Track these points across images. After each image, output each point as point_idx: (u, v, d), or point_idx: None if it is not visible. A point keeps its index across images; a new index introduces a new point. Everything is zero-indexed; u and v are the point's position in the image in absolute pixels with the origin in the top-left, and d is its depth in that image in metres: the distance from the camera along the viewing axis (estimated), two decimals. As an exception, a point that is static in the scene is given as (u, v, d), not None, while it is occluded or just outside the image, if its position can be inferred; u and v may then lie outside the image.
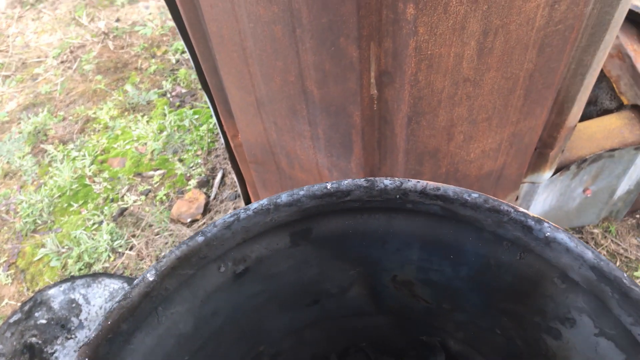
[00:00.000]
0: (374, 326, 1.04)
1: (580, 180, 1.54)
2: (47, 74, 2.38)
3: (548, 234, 0.59)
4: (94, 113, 2.24)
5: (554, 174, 1.42)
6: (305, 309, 0.92)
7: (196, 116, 2.16)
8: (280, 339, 0.98)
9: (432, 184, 0.62)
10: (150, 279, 0.59)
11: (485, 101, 1.01)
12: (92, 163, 2.10)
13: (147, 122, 2.18)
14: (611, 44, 1.08)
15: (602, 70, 1.58)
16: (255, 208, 0.63)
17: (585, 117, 1.61)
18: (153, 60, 2.38)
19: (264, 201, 0.63)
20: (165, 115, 2.18)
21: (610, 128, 1.48)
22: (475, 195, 0.61)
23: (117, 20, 2.55)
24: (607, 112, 1.61)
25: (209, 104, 1.39)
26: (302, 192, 0.63)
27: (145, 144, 2.12)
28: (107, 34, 2.48)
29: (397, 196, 0.64)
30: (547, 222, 0.60)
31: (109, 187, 2.03)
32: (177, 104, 2.22)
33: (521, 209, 0.60)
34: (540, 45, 0.95)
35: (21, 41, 2.50)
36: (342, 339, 1.07)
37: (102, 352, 0.57)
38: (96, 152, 2.13)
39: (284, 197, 0.63)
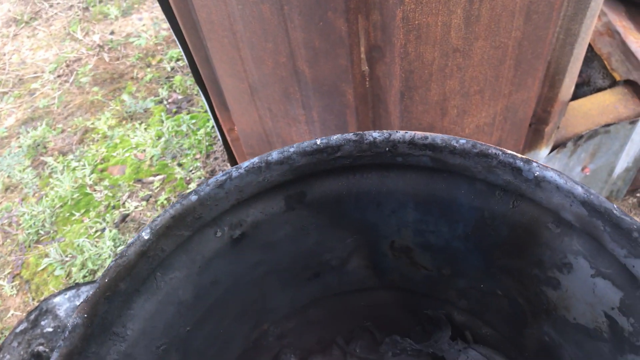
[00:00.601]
0: (376, 303, 1.03)
1: (578, 159, 1.54)
2: (44, 88, 2.41)
3: (537, 173, 0.60)
4: (92, 124, 2.26)
5: (551, 151, 1.42)
6: (306, 284, 0.92)
7: (193, 121, 2.18)
8: (285, 318, 0.98)
9: (420, 134, 0.63)
10: (146, 237, 0.60)
11: (476, 72, 1.02)
12: (92, 172, 2.11)
13: (145, 129, 2.19)
14: (598, 11, 1.09)
15: (592, 49, 1.60)
16: (247, 166, 0.63)
17: (580, 97, 1.62)
18: (148, 70, 2.41)
19: (255, 159, 0.64)
20: (162, 121, 2.20)
21: (604, 104, 1.48)
22: (462, 141, 0.62)
23: (112, 33, 2.58)
24: (600, 90, 1.61)
25: (204, 100, 1.40)
26: (292, 149, 0.64)
27: (144, 150, 2.13)
28: (102, 47, 2.51)
29: (387, 149, 0.65)
30: (536, 162, 0.60)
31: (110, 194, 2.04)
32: (174, 110, 2.24)
33: (509, 151, 0.61)
34: (527, 12, 0.96)
35: (17, 58, 2.53)
36: (346, 318, 1.06)
37: (101, 310, 0.58)
38: (96, 161, 2.14)
39: (274, 155, 0.64)
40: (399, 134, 0.63)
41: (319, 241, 0.82)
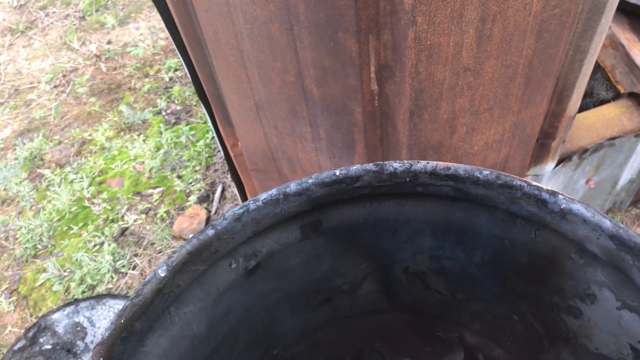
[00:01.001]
0: (387, 324, 1.02)
1: (582, 171, 1.53)
2: (40, 99, 2.38)
3: (563, 205, 0.58)
4: (90, 135, 2.23)
5: (556, 165, 1.42)
6: (317, 308, 0.90)
7: (192, 132, 2.16)
8: (294, 342, 0.96)
9: (442, 164, 0.61)
10: (162, 274, 0.58)
11: (487, 91, 1.00)
12: (90, 185, 2.09)
13: (144, 140, 2.17)
14: (607, 28, 1.09)
15: (596, 61, 1.59)
16: (265, 198, 0.62)
17: (582, 109, 1.61)
18: (146, 80, 2.38)
19: (273, 191, 0.62)
20: (161, 133, 2.18)
21: (609, 117, 1.48)
22: (486, 172, 0.60)
23: (109, 42, 2.56)
24: (603, 102, 1.61)
25: (206, 114, 1.38)
26: (310, 180, 0.62)
27: (143, 162, 2.10)
28: (99, 57, 2.48)
29: (407, 179, 0.63)
30: (562, 194, 0.59)
31: (109, 207, 2.02)
32: (173, 121, 2.22)
33: (535, 183, 0.60)
34: (538, 31, 0.95)
35: (13, 68, 2.50)
36: (355, 340, 1.05)
37: (117, 352, 0.56)
38: (94, 173, 2.12)
39: (292, 186, 0.62)
40: (421, 165, 0.62)
41: (332, 267, 0.81)
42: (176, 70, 2.41)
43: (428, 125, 1.03)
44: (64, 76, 2.43)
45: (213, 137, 2.11)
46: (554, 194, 0.59)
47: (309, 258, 0.76)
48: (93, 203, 2.04)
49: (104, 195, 2.05)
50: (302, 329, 0.94)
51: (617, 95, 1.56)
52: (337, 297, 0.89)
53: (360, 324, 1.01)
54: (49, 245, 1.97)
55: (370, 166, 0.62)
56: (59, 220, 2.01)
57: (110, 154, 2.16)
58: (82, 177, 2.10)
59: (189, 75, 1.31)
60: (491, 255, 0.73)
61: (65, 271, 1.89)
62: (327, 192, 0.64)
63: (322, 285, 0.84)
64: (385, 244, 0.78)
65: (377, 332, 1.04)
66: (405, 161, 0.62)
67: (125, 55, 2.50)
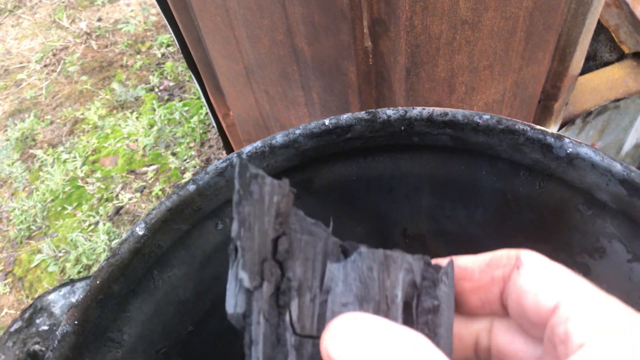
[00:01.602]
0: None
1: (586, 136, 1.49)
2: (30, 79, 2.33)
3: (570, 150, 0.54)
4: (82, 114, 2.19)
5: (559, 129, 1.37)
6: (312, 276, 0.86)
7: (186, 108, 2.11)
8: (289, 312, 0.93)
9: (439, 109, 0.57)
10: (140, 233, 0.54)
11: (486, 46, 0.96)
12: (83, 164, 2.05)
13: (137, 118, 2.12)
14: (611, -21, 1.03)
15: (599, 21, 1.54)
16: (249, 151, 0.58)
17: (586, 72, 1.56)
18: (138, 57, 2.33)
19: (258, 143, 0.58)
20: (154, 110, 2.13)
21: (613, 78, 1.43)
22: (487, 116, 0.56)
23: (99, 19, 2.50)
24: (607, 64, 1.56)
25: (196, 83, 1.34)
26: (298, 131, 0.58)
27: (137, 140, 2.06)
28: (90, 34, 2.43)
29: (402, 128, 0.59)
30: (568, 138, 0.54)
31: (103, 186, 1.98)
32: (166, 97, 2.17)
33: (538, 127, 0.55)
34: (539, -20, 0.90)
35: (2, 48, 2.44)
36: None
37: (94, 315, 0.52)
38: (87, 152, 2.07)
39: (279, 138, 0.58)
40: (416, 111, 0.57)
41: (326, 230, 0.77)
42: (168, 46, 2.36)
43: (425, 84, 0.98)
44: (54, 55, 2.37)
45: (207, 113, 2.06)
46: (559, 137, 0.55)
47: (301, 220, 0.72)
48: (87, 182, 2.00)
49: (98, 175, 2.01)
50: (298, 297, 0.90)
51: (621, 57, 1.51)
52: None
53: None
54: (43, 226, 1.93)
55: (362, 114, 0.58)
56: (52, 200, 1.98)
57: (103, 132, 2.12)
58: (75, 157, 2.06)
59: (178, 45, 1.27)
60: (493, 212, 0.69)
61: (60, 252, 1.86)
62: (317, 145, 0.60)
63: (317, 250, 0.80)
64: (381, 205, 0.73)
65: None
66: (400, 108, 0.58)
67: (116, 32, 2.44)
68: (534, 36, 1.01)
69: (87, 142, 2.09)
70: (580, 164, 0.55)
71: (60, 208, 1.95)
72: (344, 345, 0.29)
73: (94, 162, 2.04)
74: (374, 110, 0.58)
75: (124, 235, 0.53)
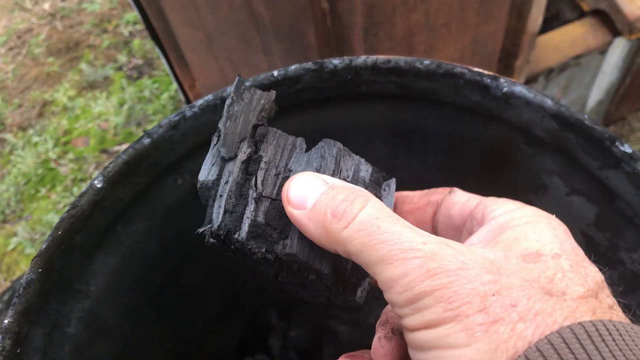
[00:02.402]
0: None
1: (550, 93, 1.53)
2: (-4, 62, 2.30)
3: (505, 89, 0.57)
4: (51, 96, 2.17)
5: (521, 88, 1.40)
6: (279, 233, 0.89)
7: (156, 85, 2.11)
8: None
9: (382, 57, 0.60)
10: (99, 185, 0.56)
11: (441, 3, 0.98)
12: (55, 146, 2.04)
13: (107, 97, 2.11)
14: None
15: (558, -19, 1.56)
16: (201, 104, 0.60)
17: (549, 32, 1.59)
18: (105, 36, 2.31)
19: (210, 96, 0.60)
20: (124, 88, 2.12)
21: (573, 36, 1.46)
22: (427, 62, 0.59)
23: (63, 0, 2.46)
24: (570, 23, 1.59)
25: (160, 55, 1.34)
26: (247, 84, 0.60)
27: (107, 119, 2.06)
28: (54, 15, 2.39)
29: (349, 77, 0.61)
30: (504, 78, 0.57)
31: (76, 167, 1.98)
32: (135, 75, 2.16)
33: (476, 69, 0.58)
34: None
35: (-35, 33, 2.40)
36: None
37: (58, 264, 0.54)
38: (58, 134, 2.06)
39: (229, 90, 0.60)
40: (361, 59, 0.60)
41: (288, 186, 0.79)
42: (135, 24, 2.34)
43: (385, 44, 1.01)
44: (19, 37, 2.34)
45: (177, 90, 2.06)
46: (495, 78, 0.57)
47: (262, 175, 0.74)
48: (59, 164, 2.00)
49: (70, 156, 2.01)
50: (266, 255, 0.93)
51: (582, 15, 1.54)
52: (298, 219, 0.88)
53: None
54: (17, 210, 1.93)
55: (309, 64, 0.60)
56: (25, 183, 1.97)
57: (74, 113, 2.10)
58: (45, 139, 2.05)
59: (140, 17, 1.27)
60: (444, 157, 0.72)
61: (36, 234, 1.86)
62: (269, 97, 0.62)
63: (281, 207, 0.83)
64: (339, 157, 0.76)
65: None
66: (345, 57, 0.60)
67: (81, 12, 2.41)
68: (488, -7, 1.03)
69: (58, 123, 2.08)
70: (516, 102, 0.58)
71: (33, 191, 1.95)
72: (302, 185, 0.36)
73: (65, 144, 2.04)
74: (320, 60, 0.60)
75: (84, 189, 0.55)
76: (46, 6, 2.43)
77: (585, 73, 1.50)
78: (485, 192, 0.74)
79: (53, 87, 2.19)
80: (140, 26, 2.32)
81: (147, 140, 0.58)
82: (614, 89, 1.55)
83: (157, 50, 1.31)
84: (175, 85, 2.07)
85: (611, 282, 0.63)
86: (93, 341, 0.62)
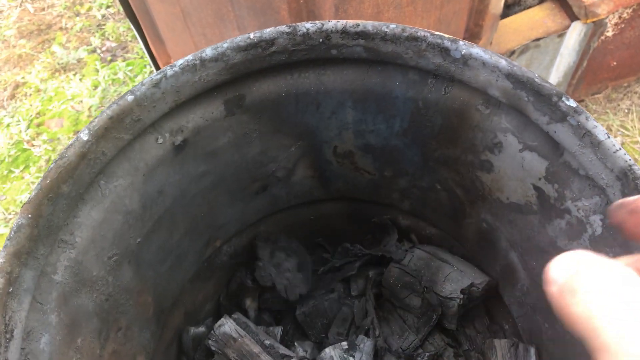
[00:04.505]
0: (326, 215, 1.06)
1: (511, 76, 1.59)
2: (-34, 44, 2.27)
3: (464, 51, 0.62)
4: (23, 78, 2.16)
5: (486, 69, 1.47)
6: (255, 198, 0.93)
7: (130, 68, 2.11)
8: (236, 235, 1.00)
9: (351, 22, 0.64)
10: (85, 138, 0.59)
11: (407, -18, 1.03)
12: (28, 127, 2.03)
13: (80, 79, 2.11)
14: None
15: (521, -32, 1.63)
16: (181, 64, 0.63)
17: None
18: (78, 19, 2.30)
19: (189, 56, 0.63)
20: (97, 71, 2.13)
21: (534, 20, 1.53)
22: (392, 25, 0.63)
23: (34, -18, 2.44)
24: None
25: (136, 33, 1.36)
26: (226, 45, 0.64)
27: (81, 101, 2.06)
28: (25, -3, 2.37)
29: (321, 40, 0.66)
30: (463, 41, 0.62)
31: (50, 148, 1.98)
32: (109, 58, 2.16)
33: (438, 33, 0.63)
34: None
35: None
36: (297, 234, 1.09)
37: (46, 212, 0.57)
38: (31, 116, 2.06)
39: (208, 51, 0.64)
40: (331, 23, 0.64)
41: (263, 150, 0.83)
42: (108, 7, 2.33)
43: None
44: (-11, 19, 2.31)
45: (152, 72, 2.07)
46: (455, 40, 0.62)
47: (237, 138, 0.78)
48: (33, 145, 1.99)
49: (44, 137, 2.01)
50: (242, 220, 0.97)
51: (542, 0, 1.62)
52: (273, 185, 0.92)
53: (299, 215, 1.05)
54: (-9, 190, 1.92)
55: (283, 27, 0.64)
56: (-2, 165, 1.96)
57: (47, 95, 2.10)
58: (18, 120, 2.04)
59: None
60: (409, 121, 0.77)
61: (10, 214, 1.86)
62: (244, 59, 0.66)
63: (256, 171, 0.87)
64: (311, 121, 0.80)
65: (318, 224, 1.08)
66: (317, 21, 0.64)
67: (53, -5, 2.40)
68: (452, -27, 1.09)
69: (31, 105, 2.08)
70: (473, 63, 0.63)
71: (6, 172, 1.95)
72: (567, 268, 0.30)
73: (39, 125, 2.03)
74: (294, 24, 0.64)
75: (70, 141, 0.59)
76: (16, -12, 2.40)
77: (544, 55, 1.57)
78: (447, 153, 0.80)
79: (25, 69, 2.17)
80: (114, 9, 2.32)
81: (130, 97, 0.61)
82: (571, 72, 1.63)
83: (133, 28, 1.33)
84: (150, 68, 2.08)
85: (560, 231, 0.70)
86: (78, 290, 0.66)
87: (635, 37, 1.59)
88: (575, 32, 1.49)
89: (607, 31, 1.53)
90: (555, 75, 1.68)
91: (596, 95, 1.84)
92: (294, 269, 1.00)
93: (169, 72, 0.63)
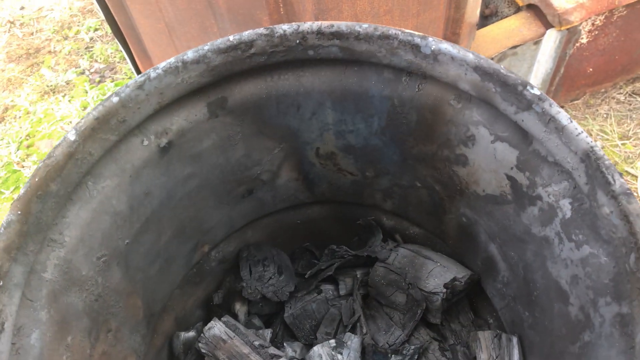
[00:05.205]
0: (312, 219, 1.09)
1: (491, 84, 1.64)
2: (-45, 70, 2.29)
3: (433, 46, 0.65)
4: (12, 101, 2.18)
5: (465, 77, 1.51)
6: (241, 202, 0.95)
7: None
8: (224, 240, 1.01)
9: (326, 23, 0.67)
10: (72, 138, 0.62)
11: (383, -8, 1.07)
12: (18, 149, 2.05)
13: (69, 101, 2.14)
14: None
15: (496, -20, 1.69)
16: (164, 66, 0.66)
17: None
18: (66, 42, 2.33)
19: (172, 59, 0.66)
20: (86, 92, 2.15)
21: (510, 29, 1.58)
22: (365, 25, 0.67)
23: (22, 8, 2.48)
24: (507, 19, 1.71)
25: (123, 51, 1.39)
26: (206, 47, 0.67)
27: (70, 122, 2.08)
28: (13, 22, 2.41)
29: (297, 41, 0.69)
30: (432, 38, 0.66)
31: (39, 169, 1.99)
32: (98, 79, 2.19)
33: (408, 30, 0.66)
34: None
35: None
36: (285, 239, 1.11)
37: (35, 209, 0.59)
38: (20, 137, 2.08)
39: (190, 54, 0.67)
40: (307, 25, 0.67)
41: (247, 153, 0.86)
42: (96, 30, 2.37)
43: (334, 31, 1.09)
44: (-22, 45, 2.34)
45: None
46: (424, 37, 0.66)
47: (222, 141, 0.81)
48: (23, 166, 2.01)
49: (34, 158, 2.02)
50: (230, 224, 0.99)
51: (517, 10, 1.67)
52: (258, 188, 0.95)
53: (286, 220, 1.07)
54: (-19, 212, 1.93)
55: (261, 30, 0.67)
56: (-12, 187, 1.97)
57: (36, 117, 2.12)
58: (8, 142, 2.06)
59: (103, 15, 1.32)
60: (386, 119, 0.80)
61: (0, 235, 1.86)
62: (225, 61, 0.69)
63: (241, 174, 0.89)
64: (292, 123, 0.83)
65: (304, 228, 1.10)
66: (294, 23, 0.67)
67: (42, 20, 2.44)
68: (427, -17, 1.13)
69: (20, 127, 2.10)
70: (442, 58, 0.66)
71: (-4, 194, 1.96)
72: None
73: (28, 147, 2.05)
74: (271, 26, 0.67)
75: (58, 142, 0.61)
76: (5, 14, 2.44)
77: (522, 62, 1.61)
78: (424, 150, 0.83)
79: (14, 92, 2.20)
80: (102, 31, 2.36)
81: (115, 99, 0.64)
82: (549, 78, 1.67)
83: (119, 45, 1.36)
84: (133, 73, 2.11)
85: (534, 218, 0.72)
86: (68, 288, 0.68)
87: (609, 43, 1.64)
88: (551, 39, 1.54)
89: (582, 38, 1.58)
90: (533, 82, 1.72)
91: (575, 102, 1.88)
92: (275, 275, 1.02)
93: (152, 74, 0.65)
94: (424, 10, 1.18)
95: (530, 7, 1.60)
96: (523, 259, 0.79)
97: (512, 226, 0.78)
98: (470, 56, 0.64)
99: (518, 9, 1.65)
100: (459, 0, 1.26)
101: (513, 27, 1.58)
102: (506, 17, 1.73)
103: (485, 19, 1.75)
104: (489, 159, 0.74)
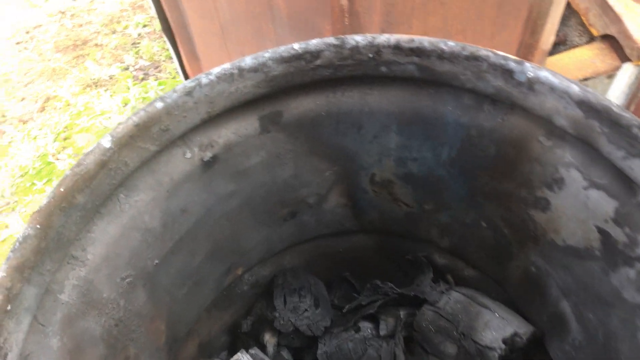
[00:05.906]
0: (356, 248, 1.00)
1: (554, 115, 1.53)
2: (2, 56, 2.29)
3: (530, 74, 0.56)
4: (54, 91, 2.16)
5: (529, 106, 1.40)
6: (282, 224, 0.87)
7: (161, 87, 2.10)
8: (259, 263, 0.93)
9: (405, 36, 0.59)
10: (106, 145, 0.54)
11: (459, 9, 0.98)
12: (54, 140, 2.02)
13: (111, 96, 2.10)
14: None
15: (570, 6, 1.58)
16: (218, 72, 0.58)
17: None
18: (114, 36, 2.31)
19: (227, 65, 0.58)
20: (129, 88, 2.12)
21: (582, 59, 1.47)
22: (452, 43, 0.58)
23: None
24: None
25: (170, 49, 1.33)
26: (267, 55, 0.59)
27: (110, 118, 2.04)
28: (64, 13, 2.40)
29: (370, 55, 0.60)
30: (529, 63, 0.56)
31: (74, 163, 1.95)
32: (141, 77, 2.16)
33: (501, 53, 0.57)
34: (509, -58, 0.93)
35: (-26, 25, 2.40)
36: (324, 267, 1.02)
37: (56, 223, 0.52)
38: (58, 129, 2.05)
39: (248, 60, 0.59)
40: (384, 37, 0.59)
41: (296, 173, 0.78)
42: (145, 26, 2.34)
43: (398, 46, 1.00)
44: (27, 32, 2.34)
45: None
46: (520, 62, 0.56)
47: (271, 158, 0.73)
48: (58, 159, 1.97)
49: (70, 151, 1.99)
50: (268, 247, 0.91)
51: (590, 40, 1.55)
52: (303, 211, 0.86)
53: (328, 247, 0.98)
54: (12, 202, 1.90)
55: (331, 39, 0.59)
56: (21, 176, 1.94)
57: (76, 109, 2.09)
58: (46, 133, 2.03)
59: (155, 10, 1.26)
60: (458, 150, 0.71)
61: (29, 227, 1.83)
62: (286, 71, 0.61)
63: (286, 195, 0.81)
64: (350, 145, 0.75)
65: (346, 257, 1.01)
66: (368, 34, 0.59)
67: (92, 12, 2.42)
68: (506, 4, 1.03)
69: (59, 119, 2.07)
70: (540, 88, 0.57)
71: (29, 184, 1.92)
72: None
73: (65, 139, 2.02)
74: (342, 36, 0.59)
75: (90, 148, 0.53)
76: (57, 3, 2.44)
77: (592, 96, 1.50)
78: (498, 188, 0.73)
79: (57, 82, 2.18)
80: (150, 28, 2.33)
81: (159, 104, 0.56)
82: (620, 115, 1.55)
83: (168, 43, 1.30)
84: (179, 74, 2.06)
85: (628, 281, 0.61)
86: (86, 312, 0.60)
87: (687, 82, 1.51)
88: (626, 74, 1.42)
89: (658, 75, 1.45)
90: (600, 117, 1.60)
91: (642, 142, 1.75)
92: (311, 307, 0.93)
93: (204, 80, 0.58)
94: (499, 32, 1.08)
95: (607, 37, 1.48)
96: (605, 324, 0.68)
97: (595, 286, 0.67)
98: (574, 88, 0.54)
99: (591, 39, 1.54)
100: (535, 24, 1.16)
101: (586, 57, 1.47)
102: (575, 46, 1.62)
103: (553, 47, 1.63)
104: (578, 207, 0.63)
